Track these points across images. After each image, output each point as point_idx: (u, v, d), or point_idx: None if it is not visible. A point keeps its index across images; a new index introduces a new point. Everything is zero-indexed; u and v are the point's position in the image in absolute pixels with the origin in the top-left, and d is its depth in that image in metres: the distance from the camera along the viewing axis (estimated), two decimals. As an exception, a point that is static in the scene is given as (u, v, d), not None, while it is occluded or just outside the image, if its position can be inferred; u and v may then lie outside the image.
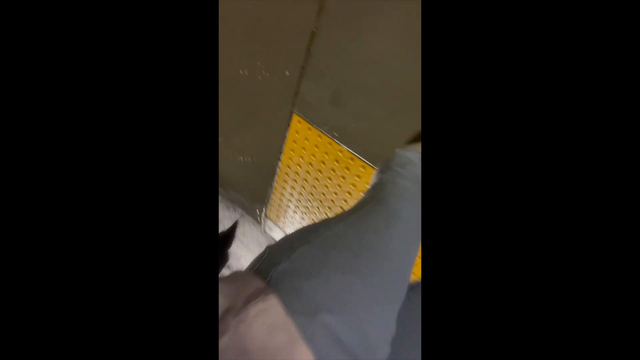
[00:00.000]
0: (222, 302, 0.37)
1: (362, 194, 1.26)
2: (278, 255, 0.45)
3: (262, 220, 1.76)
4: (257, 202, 1.69)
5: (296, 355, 0.34)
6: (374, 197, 0.58)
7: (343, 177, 1.24)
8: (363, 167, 1.15)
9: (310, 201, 1.45)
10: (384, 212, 0.53)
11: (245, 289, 0.39)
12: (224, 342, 0.33)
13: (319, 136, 1.19)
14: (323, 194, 1.37)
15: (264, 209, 1.70)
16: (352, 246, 0.46)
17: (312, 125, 1.18)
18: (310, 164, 1.31)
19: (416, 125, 0.94)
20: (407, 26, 0.80)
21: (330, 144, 1.18)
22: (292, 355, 0.34)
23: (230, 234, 0.54)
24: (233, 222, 0.52)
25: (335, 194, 1.32)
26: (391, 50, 0.86)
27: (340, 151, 1.17)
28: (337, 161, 1.21)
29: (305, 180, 1.38)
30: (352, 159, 1.16)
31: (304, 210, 1.52)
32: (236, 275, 0.44)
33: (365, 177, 1.17)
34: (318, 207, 1.44)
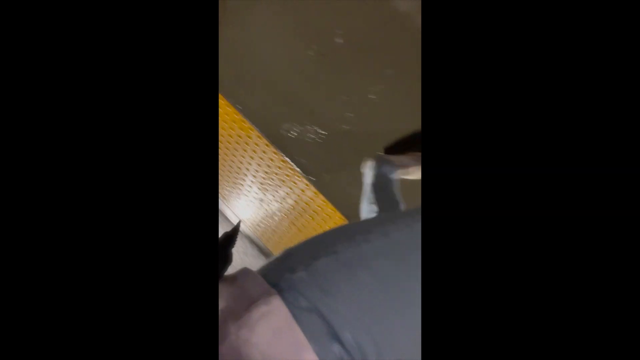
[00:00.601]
0: (223, 305, 0.35)
1: (263, 161, 1.49)
2: (295, 261, 0.39)
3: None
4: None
5: None
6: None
7: (246, 144, 1.49)
8: (259, 137, 1.39)
9: (225, 161, 1.70)
10: None
11: (248, 290, 0.36)
12: (223, 349, 0.31)
13: (228, 106, 1.42)
14: (234, 155, 1.61)
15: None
16: (388, 274, 0.38)
17: (223, 97, 1.41)
18: (223, 129, 1.54)
19: (290, 111, 1.19)
20: (288, 41, 1.03)
21: (236, 114, 1.41)
22: None
23: (233, 233, 0.48)
24: (236, 223, 0.50)
25: (242, 157, 1.57)
26: (276, 54, 1.09)
27: (244, 122, 1.41)
28: (242, 129, 1.45)
29: (221, 142, 1.62)
30: (251, 129, 1.40)
31: (227, 171, 1.77)
32: (238, 275, 0.39)
33: (260, 146, 1.42)
34: (231, 167, 1.69)
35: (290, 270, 0.37)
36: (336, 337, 0.33)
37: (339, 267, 0.37)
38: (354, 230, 0.43)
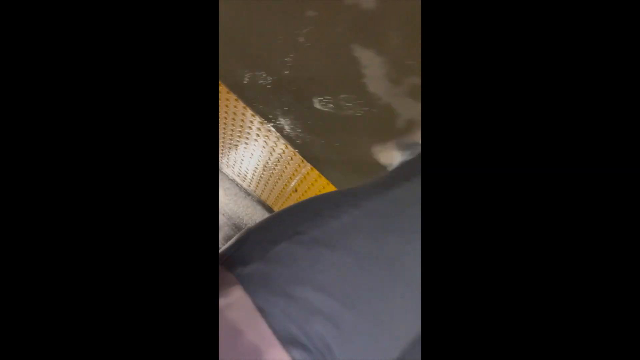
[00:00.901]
0: None
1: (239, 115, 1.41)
2: (249, 249, 0.32)
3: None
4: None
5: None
6: (407, 183, 0.40)
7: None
8: (227, 92, 1.32)
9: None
10: (416, 211, 0.35)
11: None
12: None
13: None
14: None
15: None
16: (360, 252, 0.32)
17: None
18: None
19: (232, 55, 1.11)
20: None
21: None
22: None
23: None
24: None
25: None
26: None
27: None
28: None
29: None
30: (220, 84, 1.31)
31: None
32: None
33: (230, 99, 1.35)
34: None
35: (242, 263, 0.30)
36: (298, 339, 0.27)
37: (304, 251, 0.31)
38: (320, 205, 0.36)
